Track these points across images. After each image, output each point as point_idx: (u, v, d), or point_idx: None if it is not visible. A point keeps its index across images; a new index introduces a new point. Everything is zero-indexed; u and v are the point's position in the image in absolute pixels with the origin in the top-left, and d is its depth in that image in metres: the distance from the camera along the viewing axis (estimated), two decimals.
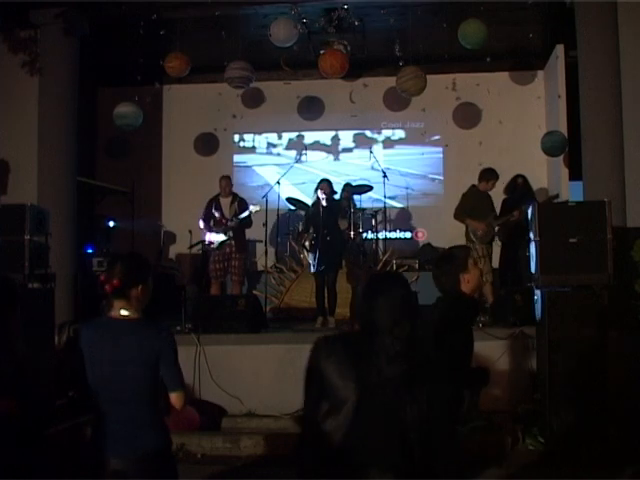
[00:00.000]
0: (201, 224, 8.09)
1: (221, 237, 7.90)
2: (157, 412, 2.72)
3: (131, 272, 2.76)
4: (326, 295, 7.42)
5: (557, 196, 9.09)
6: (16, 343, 2.66)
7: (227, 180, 8.18)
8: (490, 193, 7.72)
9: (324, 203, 7.44)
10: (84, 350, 2.71)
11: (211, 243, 7.96)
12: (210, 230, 8.00)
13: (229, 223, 7.89)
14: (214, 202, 8.08)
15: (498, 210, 7.91)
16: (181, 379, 2.76)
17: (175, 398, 2.72)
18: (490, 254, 7.49)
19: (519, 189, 8.26)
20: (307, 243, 8.12)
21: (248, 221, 8.03)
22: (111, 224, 9.50)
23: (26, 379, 2.78)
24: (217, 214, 7.98)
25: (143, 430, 2.66)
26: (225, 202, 8.05)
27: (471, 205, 7.50)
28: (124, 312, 2.73)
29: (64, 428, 5.26)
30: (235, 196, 8.13)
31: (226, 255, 7.90)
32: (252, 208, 7.96)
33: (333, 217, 7.62)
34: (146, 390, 2.67)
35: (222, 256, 7.90)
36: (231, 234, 7.89)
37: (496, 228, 7.62)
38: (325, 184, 7.61)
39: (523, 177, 8.37)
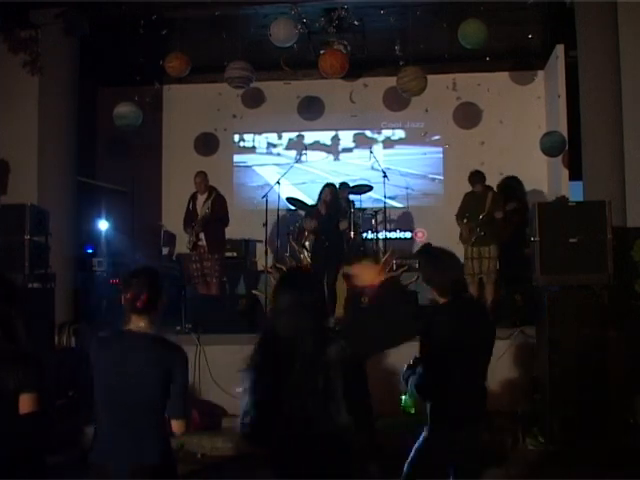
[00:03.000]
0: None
1: (193, 238, 7.74)
2: (161, 426, 2.69)
3: (155, 283, 2.77)
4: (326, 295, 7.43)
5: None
6: (20, 341, 2.65)
7: (201, 176, 7.86)
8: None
9: (323, 210, 7.50)
10: (95, 359, 2.70)
11: (189, 244, 7.81)
12: (187, 230, 7.83)
13: (194, 225, 7.66)
14: (191, 200, 7.92)
15: None
16: (187, 407, 2.72)
17: (177, 426, 2.69)
18: (480, 257, 7.43)
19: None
20: (307, 243, 8.12)
21: (222, 219, 7.81)
22: (103, 226, 9.30)
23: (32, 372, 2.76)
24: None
25: (145, 444, 2.64)
26: (200, 200, 7.84)
27: (465, 208, 7.68)
28: (142, 325, 2.72)
29: (64, 428, 5.26)
30: (211, 193, 7.81)
31: (201, 256, 7.71)
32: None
33: (333, 223, 7.64)
34: (152, 405, 2.65)
35: (197, 257, 7.72)
36: (201, 235, 7.69)
37: (478, 230, 7.48)
38: (328, 191, 7.63)
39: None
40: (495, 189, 8.28)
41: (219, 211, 7.77)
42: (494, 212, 7.48)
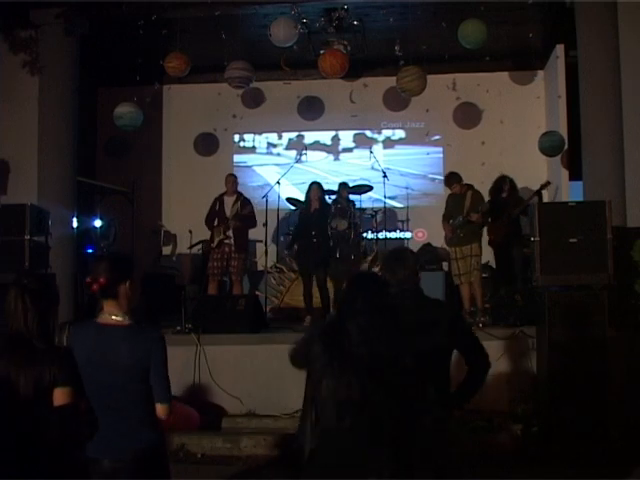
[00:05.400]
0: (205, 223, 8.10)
1: (220, 236, 7.87)
2: (150, 413, 2.71)
3: (116, 269, 2.74)
4: (318, 295, 7.47)
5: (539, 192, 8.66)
6: (53, 338, 2.72)
7: (232, 178, 8.13)
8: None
9: (317, 206, 7.54)
10: (77, 355, 2.68)
11: (212, 241, 7.94)
12: (212, 229, 7.97)
13: (229, 223, 7.84)
14: (218, 201, 8.06)
15: None
16: (167, 390, 2.74)
17: (160, 410, 2.71)
18: (463, 257, 7.32)
19: (505, 193, 7.87)
20: (295, 247, 8.16)
21: (250, 220, 7.98)
22: (98, 223, 9.23)
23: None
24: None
25: (135, 432, 2.67)
26: (228, 201, 8.00)
27: (448, 209, 7.65)
28: (115, 317, 2.72)
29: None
30: (239, 196, 8.06)
31: (225, 254, 7.83)
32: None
33: (323, 220, 7.69)
34: (138, 395, 2.68)
35: (221, 255, 7.84)
36: (230, 233, 7.84)
37: (458, 231, 7.43)
38: (316, 187, 7.69)
39: (510, 180, 8.08)
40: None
41: (250, 212, 7.95)
42: (470, 214, 7.45)
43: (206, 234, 8.18)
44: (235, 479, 5.18)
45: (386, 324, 2.52)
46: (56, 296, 2.83)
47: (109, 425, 2.67)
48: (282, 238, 9.35)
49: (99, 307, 2.76)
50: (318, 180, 8.07)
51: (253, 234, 9.26)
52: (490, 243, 7.97)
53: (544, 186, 7.78)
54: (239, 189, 8.24)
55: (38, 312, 2.67)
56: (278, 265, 8.94)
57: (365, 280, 2.79)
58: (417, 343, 3.00)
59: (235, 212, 7.86)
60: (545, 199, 8.20)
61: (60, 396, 2.59)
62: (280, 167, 10.29)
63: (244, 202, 7.98)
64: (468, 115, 10.20)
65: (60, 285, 6.49)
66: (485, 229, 7.85)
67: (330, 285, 7.74)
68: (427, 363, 3.03)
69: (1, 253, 5.88)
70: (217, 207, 8.01)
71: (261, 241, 9.16)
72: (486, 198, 7.78)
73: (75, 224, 7.87)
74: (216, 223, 7.92)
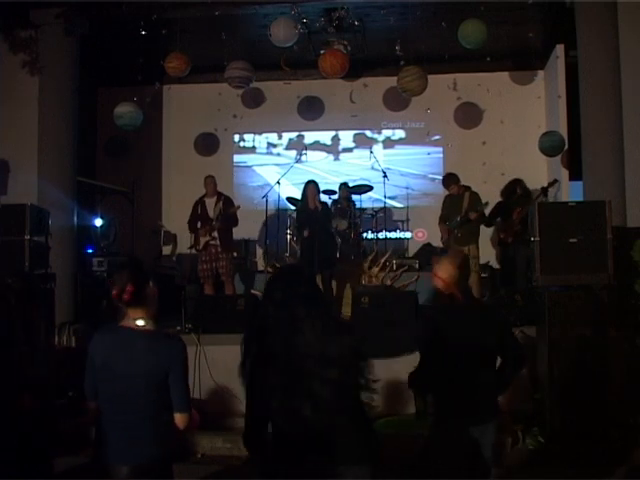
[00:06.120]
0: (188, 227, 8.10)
1: (206, 237, 7.86)
2: (162, 424, 2.70)
3: (138, 274, 2.75)
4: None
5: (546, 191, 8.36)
6: (37, 338, 2.71)
7: (212, 179, 8.09)
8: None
9: (316, 204, 7.55)
10: (95, 358, 2.69)
11: (198, 244, 7.93)
12: (195, 232, 7.95)
13: (213, 224, 7.83)
14: (199, 204, 8.05)
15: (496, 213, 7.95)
16: (187, 400, 2.72)
17: (179, 419, 2.69)
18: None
19: (517, 195, 7.99)
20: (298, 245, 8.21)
21: (233, 219, 7.97)
22: (98, 223, 9.25)
23: (44, 372, 2.81)
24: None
25: (145, 441, 2.66)
26: (210, 202, 8.00)
27: (445, 211, 7.79)
28: (140, 322, 2.70)
29: (64, 428, 5.26)
30: (220, 196, 8.06)
31: (212, 256, 7.84)
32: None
33: (327, 219, 7.71)
34: (154, 403, 2.66)
35: (209, 256, 7.85)
36: (215, 234, 7.83)
37: (456, 231, 7.54)
38: (312, 185, 7.73)
39: (522, 183, 8.08)
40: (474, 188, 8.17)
41: (231, 211, 7.93)
42: (469, 213, 7.47)
43: None
44: (235, 479, 5.17)
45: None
46: (39, 295, 2.83)
47: (126, 430, 2.66)
48: (279, 239, 9.34)
49: (122, 313, 2.74)
50: (318, 180, 8.08)
51: (252, 234, 9.29)
52: (500, 243, 8.01)
53: (551, 184, 7.81)
54: (239, 189, 8.24)
55: (21, 312, 2.66)
56: (278, 265, 8.92)
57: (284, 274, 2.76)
58: (468, 343, 3.06)
59: (219, 212, 7.85)
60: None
61: (27, 400, 2.59)
62: (280, 167, 10.29)
63: (227, 202, 7.98)
64: (469, 115, 10.20)
65: (60, 285, 6.55)
66: (495, 229, 7.88)
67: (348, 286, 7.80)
68: (476, 363, 3.08)
69: (1, 253, 5.88)
70: (199, 210, 8.00)
71: (260, 241, 9.18)
72: (498, 199, 7.82)
73: (75, 224, 7.88)
74: (199, 226, 7.90)
